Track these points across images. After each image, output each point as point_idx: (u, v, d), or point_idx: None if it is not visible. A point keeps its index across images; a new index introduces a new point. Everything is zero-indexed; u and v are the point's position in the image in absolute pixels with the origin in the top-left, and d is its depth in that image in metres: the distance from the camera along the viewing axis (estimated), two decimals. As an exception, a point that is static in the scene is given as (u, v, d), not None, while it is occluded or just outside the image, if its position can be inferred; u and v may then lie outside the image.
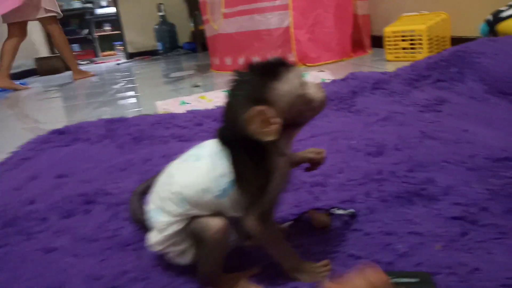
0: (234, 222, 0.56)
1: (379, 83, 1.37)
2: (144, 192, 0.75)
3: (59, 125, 1.27)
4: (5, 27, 3.29)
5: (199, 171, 0.51)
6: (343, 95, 1.32)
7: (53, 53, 5.26)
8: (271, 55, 2.65)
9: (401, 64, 1.51)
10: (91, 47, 7.65)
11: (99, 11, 7.57)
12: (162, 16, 5.38)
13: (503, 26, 1.66)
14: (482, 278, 0.48)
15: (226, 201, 0.50)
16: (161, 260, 0.60)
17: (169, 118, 1.25)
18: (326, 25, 2.52)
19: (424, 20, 2.15)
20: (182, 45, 5.55)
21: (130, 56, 5.76)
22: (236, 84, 0.49)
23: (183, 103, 1.61)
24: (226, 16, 2.66)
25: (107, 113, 1.83)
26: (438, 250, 0.55)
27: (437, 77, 1.35)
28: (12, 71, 4.22)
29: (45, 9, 3.26)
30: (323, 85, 1.44)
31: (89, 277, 0.57)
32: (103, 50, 7.83)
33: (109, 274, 0.58)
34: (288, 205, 0.72)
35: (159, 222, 0.53)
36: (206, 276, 0.54)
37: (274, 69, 0.48)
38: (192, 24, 5.37)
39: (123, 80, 3.20)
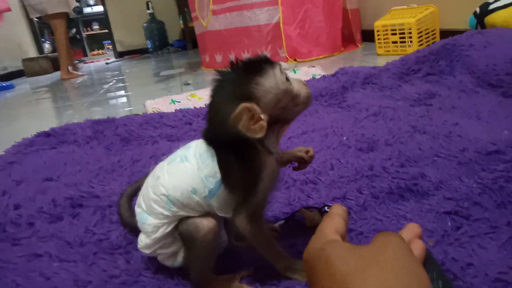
0: (224, 223, 0.55)
1: (369, 78, 1.36)
2: (132, 194, 0.75)
3: (47, 127, 1.25)
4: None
5: (185, 172, 0.50)
6: (334, 90, 1.31)
7: (40, 54, 5.19)
8: (262, 51, 2.65)
9: (392, 58, 1.50)
10: (80, 47, 7.57)
11: (87, 10, 7.48)
12: (151, 14, 5.33)
13: (491, 18, 1.67)
14: (475, 273, 0.48)
15: (214, 202, 0.50)
16: (151, 263, 0.59)
17: (158, 118, 1.23)
18: (315, 20, 2.51)
19: (414, 14, 2.16)
20: (172, 43, 5.51)
21: (120, 55, 5.71)
22: (219, 83, 0.48)
23: (173, 102, 1.59)
24: (215, 12, 2.64)
25: (97, 113, 1.81)
26: (431, 245, 0.54)
27: (427, 71, 1.35)
28: (-1, 73, 4.16)
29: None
30: (314, 81, 1.43)
31: (76, 283, 0.56)
32: (92, 50, 7.76)
33: (97, 279, 0.56)
34: (280, 204, 0.72)
35: (147, 225, 0.52)
36: (198, 278, 0.53)
37: (257, 65, 0.47)
38: (181, 22, 5.33)
39: (113, 80, 3.17)
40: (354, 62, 2.20)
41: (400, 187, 0.69)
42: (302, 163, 0.59)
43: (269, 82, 0.46)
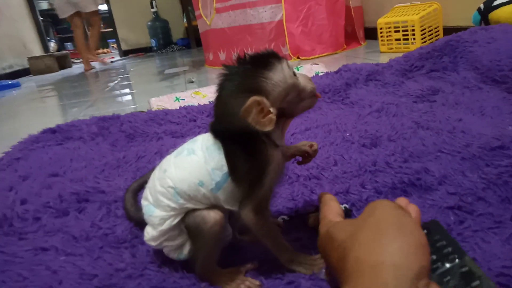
0: (230, 216, 0.56)
1: (372, 75, 1.36)
2: (138, 189, 0.75)
3: (53, 123, 1.26)
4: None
5: (192, 165, 0.50)
6: (337, 87, 1.31)
7: (46, 52, 5.22)
8: (265, 49, 2.66)
9: (394, 56, 1.50)
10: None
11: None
12: (155, 13, 5.34)
13: (495, 15, 1.66)
14: (478, 267, 0.48)
15: (220, 195, 0.50)
16: (156, 257, 0.59)
17: (163, 115, 1.24)
18: (318, 17, 2.51)
19: (417, 11, 2.15)
20: (176, 41, 5.51)
21: (124, 53, 5.73)
22: (227, 77, 0.48)
23: (178, 99, 1.60)
24: (218, 11, 2.64)
25: (102, 110, 1.82)
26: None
27: (430, 67, 1.35)
28: (5, 71, 4.20)
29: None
30: (317, 78, 1.43)
31: (82, 276, 0.56)
32: (97, 48, 7.76)
33: (103, 273, 0.57)
34: (283, 199, 0.72)
35: (153, 217, 0.52)
36: (203, 271, 0.54)
37: (265, 60, 0.47)
38: (185, 20, 5.34)
39: (118, 78, 3.18)
40: (357, 59, 2.20)
41: (403, 182, 0.70)
42: (306, 157, 0.60)
43: (278, 76, 0.47)
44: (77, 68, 4.85)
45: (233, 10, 2.56)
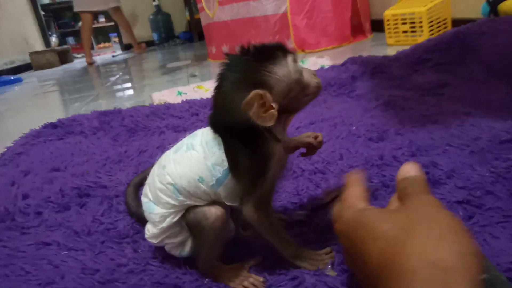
0: (231, 212, 0.54)
1: (379, 68, 1.34)
2: (139, 184, 0.75)
3: (54, 118, 1.25)
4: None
5: (192, 161, 0.49)
6: (343, 80, 1.29)
7: (47, 47, 5.21)
8: (269, 42, 2.63)
9: (402, 48, 1.48)
10: (87, 40, 7.56)
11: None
12: (157, 6, 5.30)
13: (504, 6, 1.63)
14: (488, 263, 0.46)
15: (221, 191, 0.49)
16: (158, 252, 0.58)
17: (165, 109, 1.23)
18: (323, 9, 2.47)
19: (424, 2, 2.11)
20: (178, 35, 5.48)
21: (126, 47, 5.70)
22: (228, 68, 0.46)
23: (180, 93, 1.59)
24: (221, 3, 2.61)
25: (104, 105, 1.81)
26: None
27: (438, 60, 1.33)
28: (6, 67, 4.20)
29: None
30: (322, 71, 1.41)
31: (84, 271, 0.56)
32: (98, 42, 7.75)
33: (105, 268, 0.57)
34: (288, 193, 0.71)
35: (154, 214, 0.52)
36: (206, 267, 0.53)
37: (271, 52, 0.46)
38: (187, 13, 5.30)
39: (119, 72, 3.17)
40: (363, 52, 2.16)
41: (411, 176, 0.68)
42: (310, 148, 0.58)
43: (282, 71, 0.45)
44: (79, 62, 4.84)
45: (236, 3, 2.54)
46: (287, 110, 0.48)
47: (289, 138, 0.54)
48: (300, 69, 0.47)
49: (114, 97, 2.07)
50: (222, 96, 0.47)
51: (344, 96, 1.23)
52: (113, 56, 4.99)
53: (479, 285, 0.28)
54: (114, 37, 7.08)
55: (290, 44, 2.47)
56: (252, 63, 0.45)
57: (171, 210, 0.50)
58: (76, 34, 7.50)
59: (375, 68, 1.34)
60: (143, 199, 0.54)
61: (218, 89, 0.47)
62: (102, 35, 7.71)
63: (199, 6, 2.92)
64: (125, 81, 2.64)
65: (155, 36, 5.39)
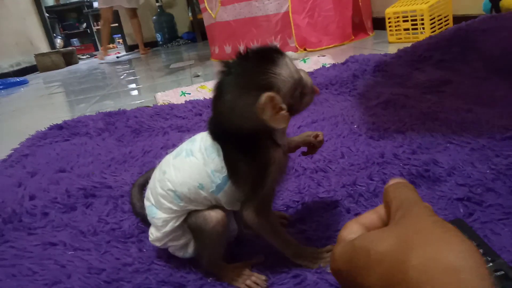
0: (234, 212, 0.55)
1: (380, 66, 1.34)
2: (144, 184, 0.75)
3: (60, 120, 1.27)
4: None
5: (192, 167, 0.50)
6: (344, 78, 1.29)
7: (52, 49, 5.25)
8: (271, 41, 2.62)
9: (403, 46, 1.47)
10: (91, 41, 7.61)
11: (97, 4, 7.50)
12: (160, 7, 5.32)
13: (506, 2, 1.62)
14: (488, 259, 0.47)
15: (221, 197, 0.49)
16: (163, 251, 0.59)
17: (168, 109, 1.24)
18: (324, 8, 2.47)
19: (426, 0, 2.11)
20: (182, 35, 5.49)
21: (130, 48, 5.73)
22: (227, 74, 0.46)
23: (183, 93, 1.60)
24: (223, 3, 2.62)
25: (108, 106, 1.82)
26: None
27: (439, 58, 1.32)
28: (12, 69, 4.23)
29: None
30: (324, 69, 1.41)
31: (90, 271, 0.57)
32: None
33: (110, 267, 0.57)
34: (290, 192, 0.71)
35: (156, 219, 0.52)
36: (209, 267, 0.54)
37: (269, 55, 0.46)
38: (190, 14, 5.31)
39: (124, 73, 3.19)
40: (365, 50, 2.17)
41: (412, 173, 0.69)
42: (311, 148, 0.59)
43: (285, 72, 0.45)
44: (84, 64, 4.87)
45: (238, 3, 2.54)
46: (291, 111, 0.48)
47: (289, 138, 0.55)
48: (298, 69, 0.48)
49: (119, 97, 2.09)
50: (227, 103, 0.45)
51: (345, 95, 1.23)
52: (117, 57, 5.02)
53: (492, 280, 0.27)
54: (118, 38, 7.11)
55: (292, 43, 2.48)
56: (255, 66, 0.45)
57: (173, 215, 0.51)
58: (81, 36, 7.55)
59: (376, 66, 1.34)
60: (146, 203, 0.55)
61: (218, 96, 0.46)
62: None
63: (201, 6, 2.93)
64: (129, 82, 2.66)
65: (158, 37, 5.41)
